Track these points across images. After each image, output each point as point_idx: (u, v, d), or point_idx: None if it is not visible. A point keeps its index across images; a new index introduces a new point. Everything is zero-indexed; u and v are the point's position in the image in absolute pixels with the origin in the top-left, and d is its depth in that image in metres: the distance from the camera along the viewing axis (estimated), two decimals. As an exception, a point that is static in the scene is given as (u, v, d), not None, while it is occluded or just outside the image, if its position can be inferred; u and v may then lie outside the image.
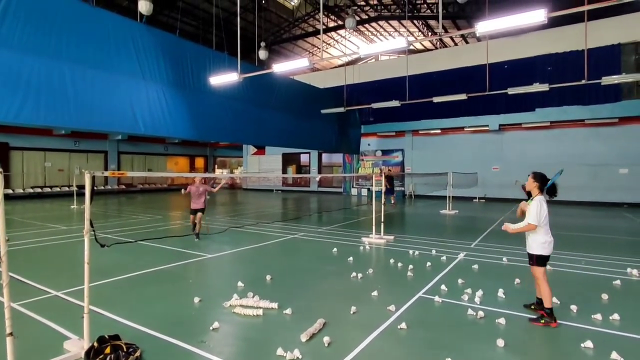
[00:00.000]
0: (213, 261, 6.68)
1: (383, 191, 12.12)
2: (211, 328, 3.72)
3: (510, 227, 4.14)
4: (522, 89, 13.11)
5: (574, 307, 4.25)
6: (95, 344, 3.05)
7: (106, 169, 24.92)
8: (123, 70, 9.83)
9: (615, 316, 4.00)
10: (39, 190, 21.51)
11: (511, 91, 13.25)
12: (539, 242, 3.96)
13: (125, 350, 3.03)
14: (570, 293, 4.81)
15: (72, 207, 15.34)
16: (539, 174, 4.09)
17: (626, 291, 5.01)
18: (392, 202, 17.14)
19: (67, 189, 21.95)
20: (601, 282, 5.40)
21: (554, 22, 14.85)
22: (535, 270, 4.03)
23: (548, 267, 5.78)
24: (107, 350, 2.99)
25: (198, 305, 4.41)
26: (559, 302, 4.43)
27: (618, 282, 5.30)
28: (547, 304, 3.91)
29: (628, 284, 5.28)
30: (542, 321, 3.89)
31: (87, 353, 3.00)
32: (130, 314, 4.09)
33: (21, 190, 20.77)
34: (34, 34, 8.08)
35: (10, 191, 19.95)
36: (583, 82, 11.91)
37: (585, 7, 7.05)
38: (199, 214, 8.61)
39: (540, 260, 3.99)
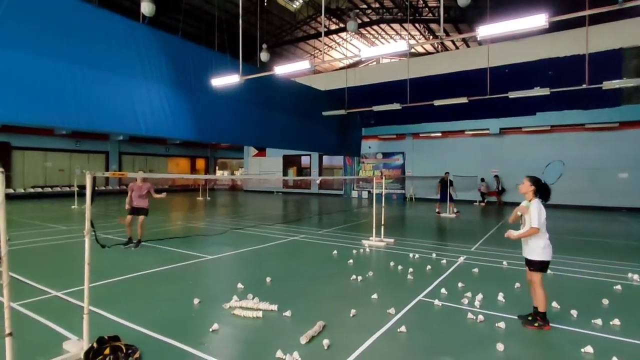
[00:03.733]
0: (213, 262, 6.68)
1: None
2: (210, 330, 3.72)
3: (513, 233, 4.05)
4: (522, 93, 13.15)
5: (574, 312, 4.24)
6: (95, 345, 3.04)
7: (107, 169, 24.94)
8: (125, 71, 9.85)
9: (616, 321, 3.99)
10: (39, 190, 21.52)
11: (512, 95, 13.28)
12: (540, 247, 3.90)
13: (124, 351, 3.03)
14: (570, 298, 4.80)
15: (73, 207, 15.35)
16: (534, 177, 4.04)
17: (627, 296, 5.00)
18: (455, 211, 14.30)
19: (67, 189, 21.98)
20: (601, 287, 5.39)
21: (555, 27, 14.88)
22: (534, 275, 3.97)
23: (548, 271, 5.81)
24: (107, 351, 2.98)
25: (198, 306, 4.41)
26: (559, 307, 4.42)
27: (619, 287, 5.29)
28: (541, 308, 3.90)
29: (629, 289, 5.27)
30: (536, 324, 3.88)
31: (87, 354, 2.99)
32: (130, 315, 4.08)
33: (22, 190, 20.79)
34: (35, 33, 8.10)
35: (11, 191, 19.97)
36: (584, 86, 11.93)
37: (587, 12, 7.07)
38: (142, 216, 7.58)
39: (541, 266, 3.94)
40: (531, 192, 3.98)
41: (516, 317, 4.11)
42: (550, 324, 3.92)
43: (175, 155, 30.56)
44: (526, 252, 4.03)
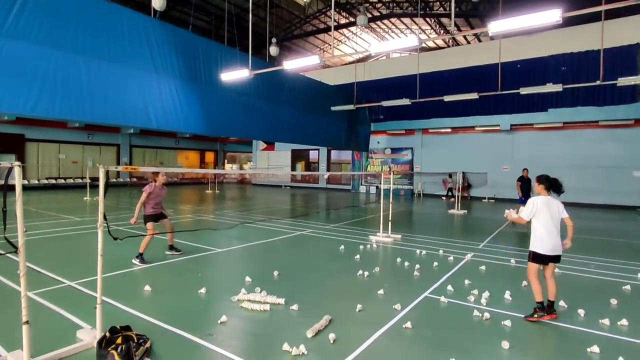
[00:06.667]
0: (222, 255, 6.78)
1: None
2: (219, 321, 3.79)
3: (512, 214, 4.40)
4: (534, 89, 12.96)
5: (581, 311, 4.23)
6: (107, 334, 3.13)
7: (118, 162, 25.29)
8: (136, 65, 9.96)
9: (624, 321, 3.96)
10: (53, 181, 21.94)
11: (523, 91, 13.10)
12: (532, 239, 4.15)
13: (135, 341, 3.11)
14: (578, 297, 4.78)
15: (85, 198, 15.62)
16: (542, 176, 4.27)
17: (636, 296, 4.95)
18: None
19: (80, 180, 22.36)
20: (611, 286, 5.34)
21: (569, 22, 14.58)
22: (528, 265, 4.19)
23: (557, 270, 5.76)
24: (119, 340, 3.07)
25: (207, 298, 4.49)
26: (566, 306, 4.41)
27: (628, 287, 5.24)
28: (537, 298, 4.06)
29: (638, 289, 5.22)
30: (535, 316, 4.00)
31: (100, 342, 3.08)
32: (141, 305, 4.18)
33: (36, 181, 21.22)
34: (50, 27, 8.24)
35: (25, 182, 20.38)
36: (598, 82, 11.71)
37: (602, 7, 6.93)
38: (166, 220, 6.44)
39: (534, 257, 4.11)
40: (542, 189, 4.22)
41: (522, 315, 4.12)
42: (558, 322, 3.95)
43: (185, 149, 30.83)
44: None
